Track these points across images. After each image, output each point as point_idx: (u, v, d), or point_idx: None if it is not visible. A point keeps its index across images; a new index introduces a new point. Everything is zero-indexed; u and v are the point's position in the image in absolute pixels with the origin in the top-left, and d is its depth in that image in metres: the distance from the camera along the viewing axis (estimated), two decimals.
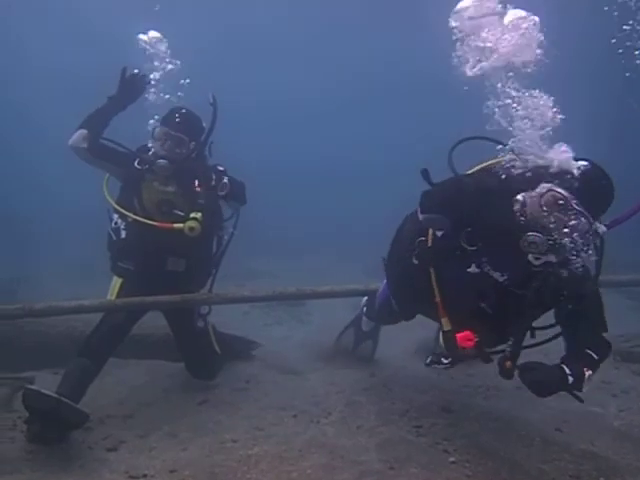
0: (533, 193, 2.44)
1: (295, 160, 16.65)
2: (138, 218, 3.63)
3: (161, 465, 2.70)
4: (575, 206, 2.34)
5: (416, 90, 15.82)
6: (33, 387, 3.03)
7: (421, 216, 2.84)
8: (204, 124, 3.85)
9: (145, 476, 2.59)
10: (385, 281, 3.54)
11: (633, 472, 2.52)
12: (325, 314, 5.97)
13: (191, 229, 3.54)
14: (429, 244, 2.91)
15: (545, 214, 2.38)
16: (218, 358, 4.12)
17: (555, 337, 2.79)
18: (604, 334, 2.71)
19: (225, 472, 2.59)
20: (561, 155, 2.48)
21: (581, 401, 2.51)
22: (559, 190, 2.37)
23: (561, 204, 2.36)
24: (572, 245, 2.37)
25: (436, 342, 4.17)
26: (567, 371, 2.46)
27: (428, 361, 2.94)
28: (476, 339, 2.70)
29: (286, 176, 15.13)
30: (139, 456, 2.85)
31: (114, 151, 3.81)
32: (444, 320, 2.81)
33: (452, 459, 2.72)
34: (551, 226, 2.37)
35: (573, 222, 2.35)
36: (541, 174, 2.49)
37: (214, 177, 3.72)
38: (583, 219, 2.34)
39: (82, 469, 2.72)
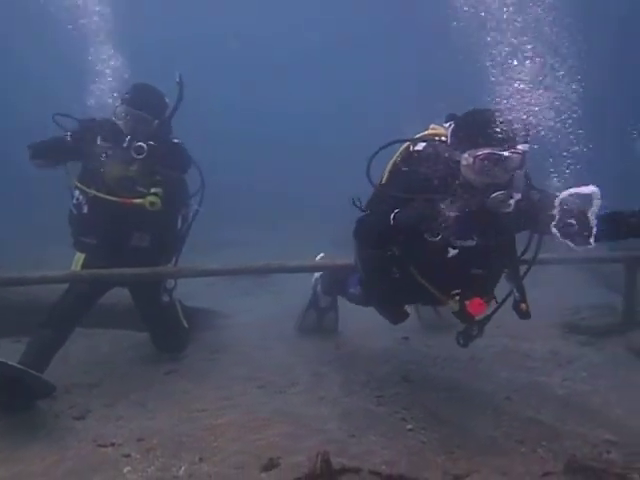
0: (463, 165, 2.63)
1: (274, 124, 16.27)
2: (99, 194, 3.61)
3: (129, 434, 2.76)
4: (502, 153, 2.51)
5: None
6: None
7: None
8: (167, 100, 3.80)
9: (113, 444, 2.64)
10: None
11: (572, 437, 2.70)
12: (293, 285, 6.05)
13: (152, 204, 3.56)
14: (397, 253, 2.94)
15: (486, 174, 2.56)
16: (185, 332, 4.14)
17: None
18: None
19: (192, 441, 2.66)
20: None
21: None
22: (481, 152, 2.54)
23: (491, 158, 2.53)
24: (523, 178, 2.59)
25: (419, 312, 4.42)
26: None
27: (462, 342, 3.04)
28: (484, 302, 2.86)
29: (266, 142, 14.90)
30: (106, 425, 2.90)
31: (72, 149, 3.70)
32: (450, 303, 2.92)
33: (409, 427, 2.86)
34: (496, 179, 2.56)
35: (508, 164, 2.54)
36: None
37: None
38: (510, 154, 2.53)
39: (49, 437, 2.76)
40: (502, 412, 3.03)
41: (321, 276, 4.31)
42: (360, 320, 4.23)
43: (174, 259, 4.03)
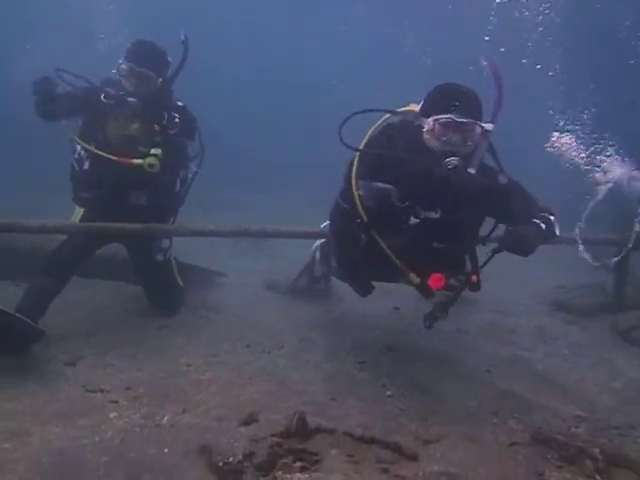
0: (425, 130, 2.75)
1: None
2: (100, 152, 3.63)
3: (118, 382, 2.87)
4: (459, 120, 2.62)
5: None
6: None
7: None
8: (169, 58, 3.78)
9: (102, 391, 2.75)
10: None
11: (543, 410, 2.79)
12: (290, 247, 6.10)
13: (150, 165, 3.60)
14: (365, 220, 2.98)
15: (444, 138, 2.67)
16: (180, 291, 4.21)
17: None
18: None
19: (177, 392, 2.77)
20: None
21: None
22: (441, 116, 2.66)
23: (449, 124, 2.65)
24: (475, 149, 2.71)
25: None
26: (537, 221, 2.60)
27: (427, 324, 3.12)
28: (444, 276, 2.90)
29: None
30: (96, 372, 3.01)
31: (77, 101, 3.72)
32: (411, 276, 2.96)
33: (389, 393, 2.95)
34: (452, 147, 2.67)
35: (466, 133, 2.66)
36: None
37: (166, 116, 3.70)
38: (470, 125, 2.65)
39: (40, 380, 2.87)
40: (480, 383, 3.13)
41: (321, 244, 4.37)
42: None
43: (171, 219, 4.07)
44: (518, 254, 2.56)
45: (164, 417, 2.50)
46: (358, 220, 2.95)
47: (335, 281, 4.61)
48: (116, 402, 2.63)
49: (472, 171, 2.69)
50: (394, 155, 2.77)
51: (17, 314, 2.99)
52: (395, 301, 4.42)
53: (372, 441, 2.35)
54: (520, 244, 2.54)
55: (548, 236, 2.63)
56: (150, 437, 2.32)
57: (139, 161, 3.60)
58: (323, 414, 2.61)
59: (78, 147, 3.76)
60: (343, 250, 3.29)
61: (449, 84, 2.80)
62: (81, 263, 3.75)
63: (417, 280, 2.94)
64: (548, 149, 4.04)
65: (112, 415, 2.49)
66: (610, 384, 3.20)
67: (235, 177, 10.18)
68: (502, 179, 2.76)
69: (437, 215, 2.83)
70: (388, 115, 3.07)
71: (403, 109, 3.04)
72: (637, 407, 2.90)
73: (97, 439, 2.27)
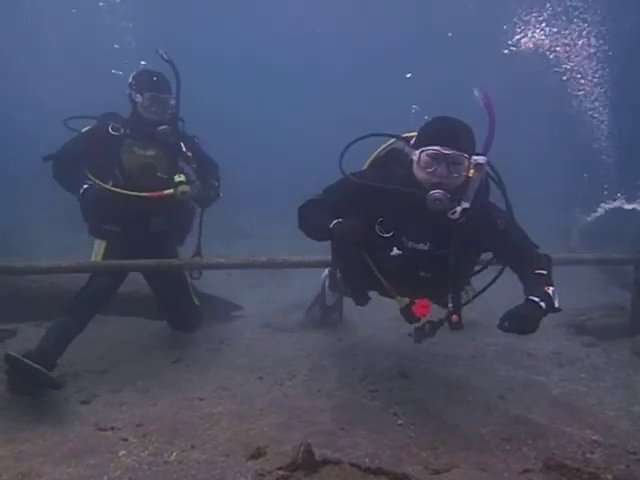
0: (413, 161, 2.75)
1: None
2: (121, 190, 3.74)
3: (129, 419, 2.90)
4: (445, 151, 2.61)
5: None
6: (14, 355, 3.00)
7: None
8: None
9: (113, 429, 2.78)
10: None
11: (558, 436, 2.71)
12: (306, 277, 6.14)
13: (183, 193, 3.74)
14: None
15: (429, 170, 2.66)
16: (197, 310, 4.24)
17: (493, 282, 3.03)
18: (538, 250, 2.91)
19: (187, 428, 2.78)
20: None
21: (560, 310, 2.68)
22: (428, 147, 2.65)
23: (435, 156, 2.64)
24: (463, 185, 2.68)
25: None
26: (536, 299, 2.57)
27: (415, 338, 3.13)
28: (430, 304, 2.92)
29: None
30: (110, 410, 3.04)
31: (86, 150, 3.84)
32: (397, 298, 3.00)
33: (400, 422, 2.91)
34: (438, 178, 2.65)
35: (452, 165, 2.64)
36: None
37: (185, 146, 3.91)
38: (457, 158, 2.63)
39: (54, 420, 2.91)
40: (493, 409, 3.06)
41: (329, 272, 4.40)
42: (366, 314, 4.28)
43: (196, 247, 4.16)
44: (520, 334, 2.56)
45: (172, 454, 2.51)
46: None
47: (347, 310, 4.62)
48: (126, 440, 2.65)
49: (466, 205, 2.66)
50: (379, 186, 2.78)
51: (39, 367, 2.97)
52: (409, 327, 4.37)
53: (380, 472, 2.32)
54: (522, 327, 2.53)
55: (548, 312, 2.60)
56: (157, 475, 2.32)
57: (170, 191, 3.74)
58: (332, 444, 2.60)
59: (89, 182, 3.77)
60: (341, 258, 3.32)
61: (441, 117, 2.79)
62: (104, 305, 3.78)
63: (403, 304, 2.98)
64: None
65: (121, 453, 2.51)
66: (629, 408, 3.10)
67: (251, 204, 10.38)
68: (500, 224, 2.78)
69: (426, 247, 2.84)
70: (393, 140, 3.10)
71: (408, 134, 3.06)
72: None
73: (105, 478, 2.29)
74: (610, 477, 2.10)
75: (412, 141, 2.84)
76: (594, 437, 2.71)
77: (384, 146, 3.16)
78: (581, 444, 2.63)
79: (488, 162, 2.75)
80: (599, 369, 3.76)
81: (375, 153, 3.15)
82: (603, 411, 3.06)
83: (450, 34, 12.94)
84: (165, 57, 3.80)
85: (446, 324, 2.93)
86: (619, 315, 4.52)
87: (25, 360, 2.96)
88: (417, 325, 3.10)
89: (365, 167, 3.18)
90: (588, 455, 2.53)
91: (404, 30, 15.33)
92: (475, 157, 2.66)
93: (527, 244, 2.88)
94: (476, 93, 2.70)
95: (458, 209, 2.66)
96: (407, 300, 3.00)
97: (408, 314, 3.00)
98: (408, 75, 7.59)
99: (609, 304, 4.78)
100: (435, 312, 3.06)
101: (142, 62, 4.22)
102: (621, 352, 4.06)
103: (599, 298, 5.25)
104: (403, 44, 14.37)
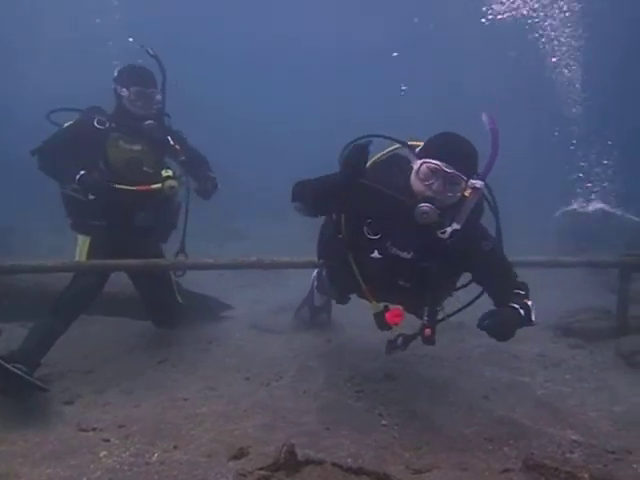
0: (413, 169, 2.74)
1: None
2: (118, 186, 3.72)
3: (112, 420, 2.88)
4: (446, 169, 2.60)
5: None
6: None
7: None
8: None
9: (94, 429, 2.76)
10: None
11: (540, 436, 2.73)
12: (301, 278, 6.13)
13: (171, 188, 3.74)
14: (341, 236, 3.03)
15: (426, 183, 2.66)
16: (179, 307, 4.23)
17: (473, 301, 3.03)
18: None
19: (170, 428, 2.77)
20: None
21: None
22: (430, 160, 2.64)
23: (435, 170, 2.63)
24: (457, 205, 2.68)
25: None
26: (516, 306, 2.56)
27: (386, 350, 3.16)
28: (403, 314, 2.92)
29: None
30: (93, 410, 3.03)
31: (73, 140, 3.81)
32: (373, 304, 3.02)
33: (384, 422, 2.92)
34: (432, 193, 2.64)
35: (450, 184, 2.63)
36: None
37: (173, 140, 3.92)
38: (456, 178, 2.62)
39: (36, 420, 2.88)
40: (477, 410, 3.08)
41: (318, 273, 4.40)
42: (355, 315, 4.30)
43: (180, 243, 4.17)
44: (497, 339, 2.55)
45: (154, 454, 2.50)
46: (340, 235, 3.03)
47: (336, 312, 4.62)
48: (108, 441, 2.63)
49: (457, 227, 2.67)
50: (373, 187, 2.78)
51: (26, 376, 2.93)
52: (397, 330, 4.39)
53: (361, 472, 2.32)
54: (501, 330, 2.52)
55: (525, 323, 2.58)
56: (138, 476, 2.31)
57: (158, 185, 3.73)
58: (315, 445, 2.60)
59: (76, 177, 3.70)
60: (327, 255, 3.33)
61: (451, 134, 2.77)
62: (88, 305, 3.74)
63: (378, 309, 2.99)
64: None
65: (102, 454, 2.49)
66: (610, 409, 3.13)
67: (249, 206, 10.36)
68: (485, 245, 2.78)
69: (409, 256, 2.84)
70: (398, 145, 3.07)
71: (414, 142, 3.03)
72: (636, 432, 2.83)
73: (85, 479, 2.28)
74: (587, 476, 2.11)
75: (417, 150, 2.81)
76: (574, 437, 2.73)
77: (388, 150, 3.12)
78: (561, 444, 2.66)
79: (486, 185, 2.74)
80: (583, 370, 3.79)
81: (377, 155, 3.11)
82: (585, 412, 3.09)
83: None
84: (151, 52, 3.81)
85: (419, 338, 2.93)
86: (607, 318, 4.55)
87: (10, 368, 2.91)
88: (390, 338, 3.13)
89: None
90: (567, 455, 2.55)
91: (404, 31, 15.40)
92: (473, 181, 2.65)
93: (509, 272, 2.86)
94: (484, 118, 2.67)
95: (448, 230, 2.67)
96: (382, 306, 3.02)
97: (380, 320, 3.02)
98: (403, 88, 7.64)
99: (598, 307, 4.81)
100: (409, 324, 3.07)
101: (130, 39, 4.20)
102: (606, 354, 4.09)
103: (589, 300, 5.28)
104: (403, 44, 14.42)
